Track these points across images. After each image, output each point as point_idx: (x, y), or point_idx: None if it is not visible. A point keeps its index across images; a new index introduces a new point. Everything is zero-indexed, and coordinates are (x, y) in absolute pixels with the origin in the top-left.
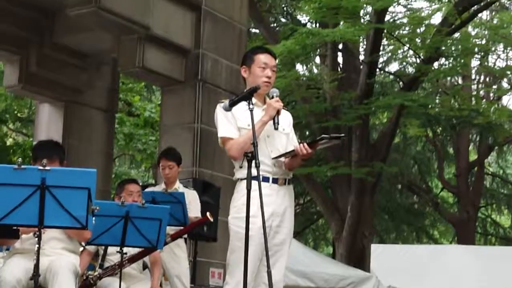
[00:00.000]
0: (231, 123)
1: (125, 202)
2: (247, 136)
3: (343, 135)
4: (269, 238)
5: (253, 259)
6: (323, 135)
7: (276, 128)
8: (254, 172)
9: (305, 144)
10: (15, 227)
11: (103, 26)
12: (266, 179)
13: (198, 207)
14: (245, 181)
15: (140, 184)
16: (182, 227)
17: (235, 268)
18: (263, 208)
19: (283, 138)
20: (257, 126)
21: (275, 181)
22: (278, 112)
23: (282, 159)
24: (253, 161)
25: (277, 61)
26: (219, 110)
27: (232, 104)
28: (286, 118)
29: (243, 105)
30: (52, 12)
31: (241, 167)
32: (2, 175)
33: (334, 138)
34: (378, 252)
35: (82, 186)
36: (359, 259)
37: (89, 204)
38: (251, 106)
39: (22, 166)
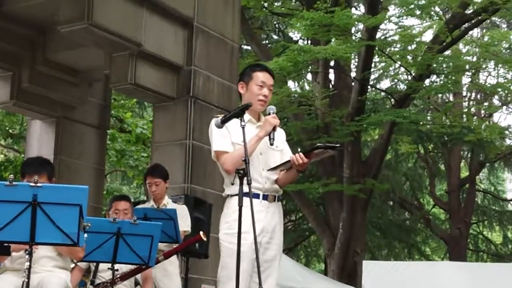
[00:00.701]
0: (226, 138)
1: (117, 218)
2: (242, 150)
3: (338, 145)
4: (260, 255)
5: (244, 276)
6: (318, 144)
7: (271, 144)
8: (245, 188)
9: (300, 154)
10: (6, 244)
11: (95, 42)
12: (256, 196)
13: (188, 222)
14: (235, 197)
15: (132, 200)
16: (175, 245)
17: (226, 284)
18: (255, 225)
19: (276, 155)
20: (253, 141)
21: (265, 197)
22: (274, 128)
23: (277, 173)
24: (245, 178)
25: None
26: (214, 125)
27: (224, 121)
28: (280, 135)
29: (237, 121)
30: (45, 29)
31: (232, 183)
32: None
33: (329, 148)
34: (370, 268)
35: (73, 202)
36: (351, 275)
37: (81, 220)
38: (242, 123)
39: (14, 183)
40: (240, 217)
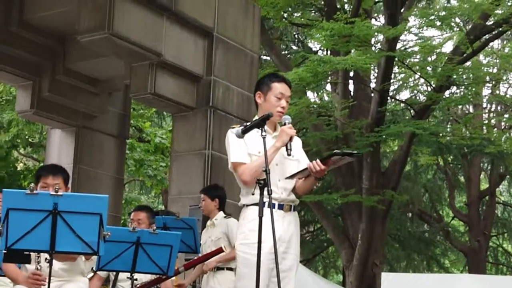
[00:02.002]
0: (243, 148)
1: (136, 228)
2: (260, 161)
3: (355, 152)
4: (275, 265)
5: (261, 286)
6: (335, 151)
7: (289, 154)
8: (258, 199)
9: (318, 160)
10: (26, 252)
11: (115, 52)
12: (272, 205)
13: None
14: (251, 207)
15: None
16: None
17: None
18: (275, 235)
19: (293, 165)
20: (270, 152)
21: (280, 207)
22: (290, 139)
23: (294, 182)
24: (265, 188)
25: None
26: (231, 135)
27: (245, 131)
28: (296, 144)
29: (254, 132)
30: (65, 38)
31: (253, 194)
32: (14, 200)
33: (347, 154)
34: (389, 280)
35: (94, 211)
36: (369, 287)
37: (101, 229)
38: (263, 134)
39: (35, 191)
40: (261, 228)
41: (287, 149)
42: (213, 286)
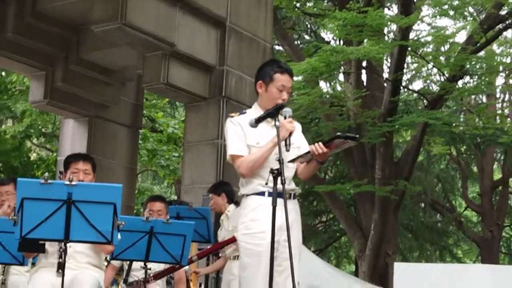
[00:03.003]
0: (242, 140)
1: (150, 217)
2: (258, 154)
3: (357, 135)
4: (278, 253)
5: (265, 276)
6: (338, 134)
7: (287, 150)
8: (259, 188)
9: (320, 143)
10: (41, 241)
11: (128, 42)
12: (271, 194)
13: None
14: (252, 196)
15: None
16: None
17: (249, 285)
18: (288, 224)
19: (293, 154)
20: (267, 146)
21: (280, 196)
22: (290, 134)
23: (294, 169)
24: (279, 178)
25: (299, 77)
26: (230, 125)
27: (258, 120)
28: (296, 130)
29: (249, 121)
30: (78, 28)
31: (266, 183)
32: (29, 190)
33: (350, 138)
34: (401, 270)
35: (108, 201)
36: (382, 277)
37: (115, 219)
38: (277, 123)
39: (49, 181)
40: (274, 217)
41: (286, 145)
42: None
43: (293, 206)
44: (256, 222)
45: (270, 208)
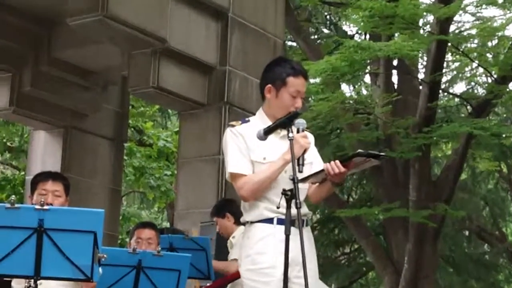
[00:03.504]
0: (245, 155)
1: (137, 249)
2: (265, 175)
3: (382, 154)
4: None
5: None
6: (359, 151)
7: (300, 171)
8: (266, 214)
9: (337, 161)
10: (6, 278)
11: (110, 38)
12: (281, 222)
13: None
14: (257, 224)
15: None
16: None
17: None
18: (305, 258)
19: (305, 171)
20: (277, 165)
21: (292, 223)
22: (304, 151)
23: (306, 189)
24: (292, 201)
25: (317, 79)
26: (230, 136)
27: (268, 132)
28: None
29: (255, 131)
30: (51, 22)
31: (278, 207)
32: None
33: (373, 156)
34: None
35: (87, 229)
36: None
37: (95, 251)
38: (290, 135)
39: (16, 205)
40: (287, 248)
41: (298, 164)
42: None
43: (307, 235)
44: (263, 255)
45: (280, 238)
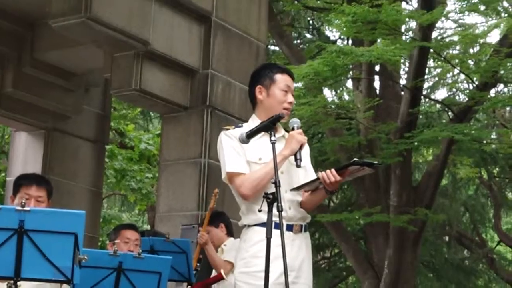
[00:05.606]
0: (240, 155)
1: (118, 251)
2: (264, 171)
3: (376, 162)
4: None
5: None
6: (355, 159)
7: (298, 166)
8: (264, 218)
9: (333, 170)
10: None
11: (93, 40)
12: (278, 226)
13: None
14: (255, 228)
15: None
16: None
17: None
18: (286, 262)
19: (300, 173)
20: (277, 161)
21: (289, 228)
22: (301, 147)
23: (300, 193)
24: (274, 204)
25: (300, 84)
26: (225, 139)
27: (250, 135)
28: (305, 150)
29: (239, 136)
30: (33, 23)
31: (260, 210)
32: None
33: (367, 164)
34: None
35: (67, 231)
36: None
37: (76, 252)
38: (273, 138)
39: None
40: (269, 251)
41: (296, 159)
42: None
43: (305, 241)
44: (258, 259)
45: (276, 243)
